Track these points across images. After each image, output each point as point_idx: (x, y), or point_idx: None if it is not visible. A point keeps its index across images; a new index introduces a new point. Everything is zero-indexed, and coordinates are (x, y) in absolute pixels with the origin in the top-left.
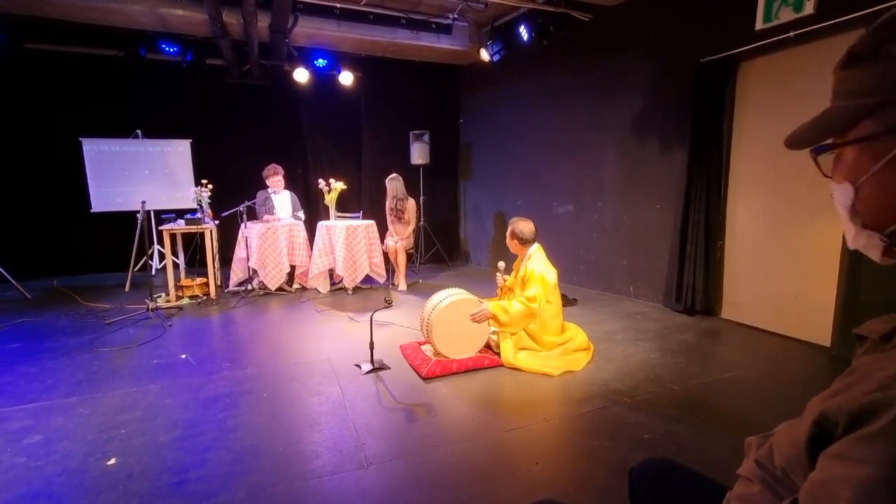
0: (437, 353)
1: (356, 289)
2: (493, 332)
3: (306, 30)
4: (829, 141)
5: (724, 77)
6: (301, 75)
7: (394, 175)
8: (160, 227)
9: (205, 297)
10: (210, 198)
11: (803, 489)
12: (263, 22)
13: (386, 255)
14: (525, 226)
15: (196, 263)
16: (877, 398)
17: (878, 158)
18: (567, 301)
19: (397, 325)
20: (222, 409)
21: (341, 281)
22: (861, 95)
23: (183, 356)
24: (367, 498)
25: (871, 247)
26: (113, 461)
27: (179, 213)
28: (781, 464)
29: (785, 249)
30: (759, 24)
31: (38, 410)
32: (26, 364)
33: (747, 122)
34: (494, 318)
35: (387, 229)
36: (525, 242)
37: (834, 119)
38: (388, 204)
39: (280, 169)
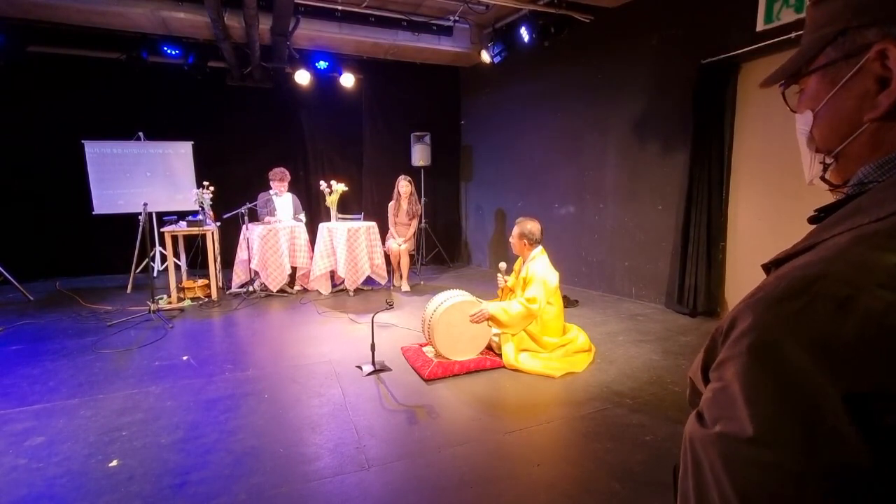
0: (438, 355)
1: (357, 290)
2: (495, 334)
3: (308, 32)
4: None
5: (725, 78)
6: (302, 77)
7: (408, 177)
8: (162, 229)
9: (206, 299)
10: (212, 200)
11: (704, 398)
12: (265, 24)
13: (387, 256)
14: (534, 226)
15: (197, 265)
16: (739, 308)
17: (835, 84)
18: (568, 302)
19: (398, 326)
20: (224, 411)
21: (342, 282)
22: (824, 26)
23: (184, 358)
24: (369, 500)
25: (816, 176)
26: (114, 463)
27: (181, 215)
28: (690, 375)
29: None
30: (761, 26)
31: (40, 412)
32: (28, 366)
33: (749, 123)
34: (493, 318)
35: (387, 230)
36: (533, 243)
37: (802, 52)
38: (396, 205)
39: (288, 175)
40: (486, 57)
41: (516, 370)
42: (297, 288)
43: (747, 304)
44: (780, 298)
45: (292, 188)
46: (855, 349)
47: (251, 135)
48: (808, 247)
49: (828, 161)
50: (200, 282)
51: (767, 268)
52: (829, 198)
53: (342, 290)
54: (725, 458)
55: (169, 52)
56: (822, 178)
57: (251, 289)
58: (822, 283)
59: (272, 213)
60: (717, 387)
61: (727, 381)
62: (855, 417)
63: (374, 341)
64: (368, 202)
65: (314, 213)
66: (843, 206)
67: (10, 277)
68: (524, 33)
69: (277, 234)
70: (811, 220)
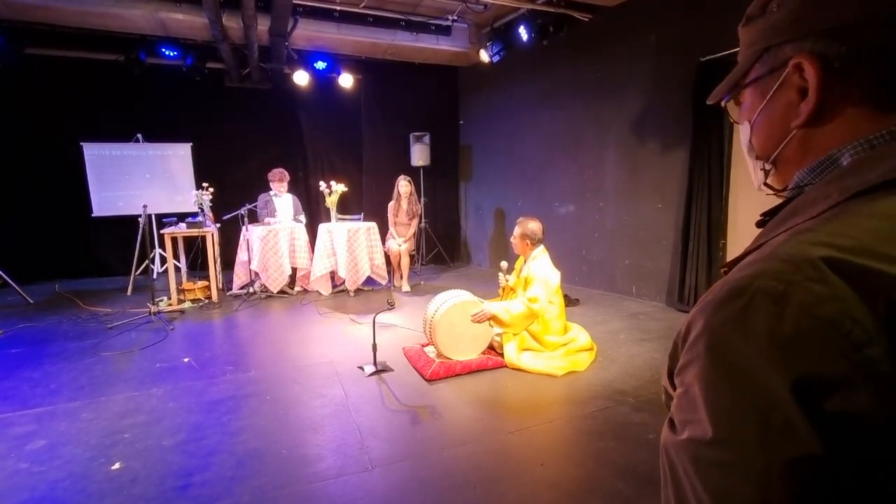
0: (440, 355)
1: (358, 291)
2: (497, 334)
3: (306, 32)
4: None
5: (724, 76)
6: (301, 78)
7: (407, 177)
8: (161, 231)
9: (207, 301)
10: (211, 201)
11: (673, 403)
12: (263, 25)
13: (387, 256)
14: (536, 226)
15: (198, 267)
16: (693, 313)
17: (764, 96)
18: (569, 301)
19: (400, 326)
20: (225, 413)
21: (343, 283)
22: (752, 44)
23: (186, 360)
24: (372, 501)
25: (760, 182)
26: (117, 466)
27: (181, 217)
28: (663, 383)
29: None
30: None
31: (42, 415)
32: (29, 369)
33: None
34: (495, 318)
35: (387, 231)
36: (535, 243)
37: (737, 69)
38: (396, 205)
39: (287, 175)
40: (484, 56)
41: (518, 370)
42: (297, 289)
43: (699, 308)
44: (725, 299)
45: (292, 189)
46: (793, 340)
47: (250, 136)
48: (754, 249)
49: (767, 167)
50: (200, 283)
51: (727, 271)
52: None
53: (343, 291)
54: (695, 462)
55: (167, 53)
56: (766, 184)
57: (251, 290)
58: (758, 281)
59: (272, 213)
60: (681, 391)
61: (688, 384)
62: (803, 407)
63: (376, 342)
64: (368, 202)
65: (314, 213)
66: (783, 209)
67: (9, 280)
68: (523, 32)
69: (277, 236)
70: (758, 224)
